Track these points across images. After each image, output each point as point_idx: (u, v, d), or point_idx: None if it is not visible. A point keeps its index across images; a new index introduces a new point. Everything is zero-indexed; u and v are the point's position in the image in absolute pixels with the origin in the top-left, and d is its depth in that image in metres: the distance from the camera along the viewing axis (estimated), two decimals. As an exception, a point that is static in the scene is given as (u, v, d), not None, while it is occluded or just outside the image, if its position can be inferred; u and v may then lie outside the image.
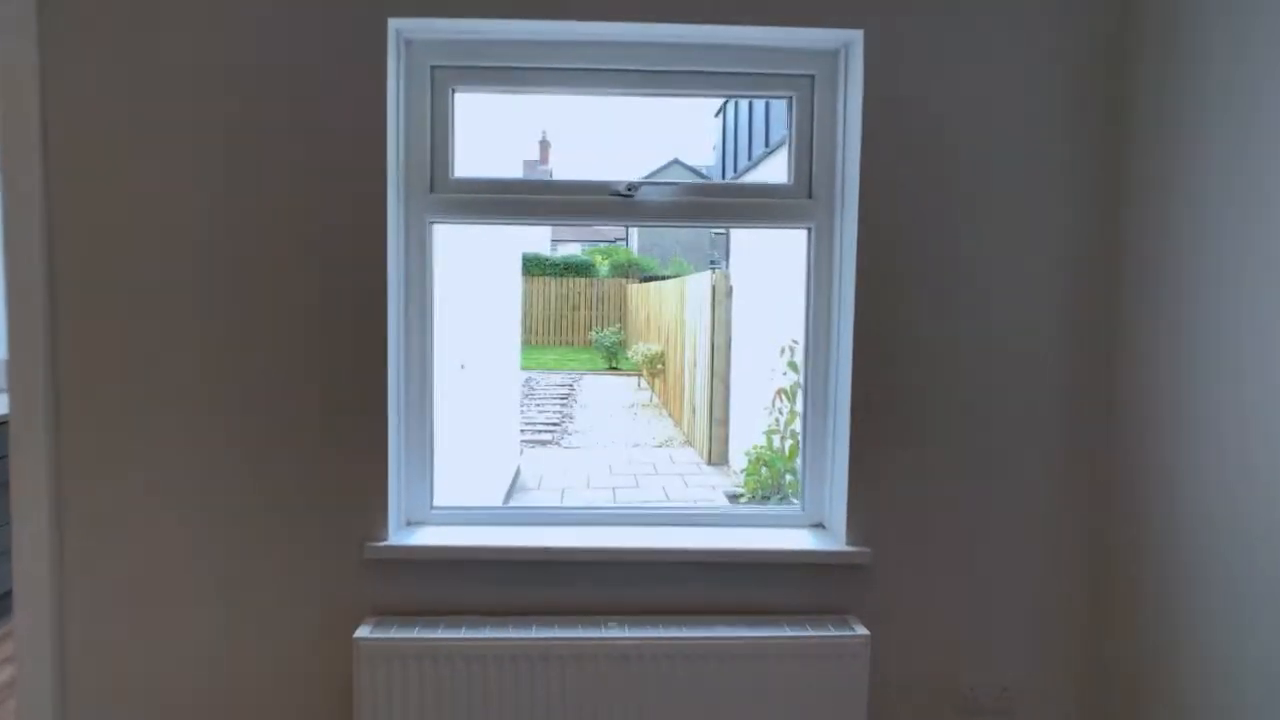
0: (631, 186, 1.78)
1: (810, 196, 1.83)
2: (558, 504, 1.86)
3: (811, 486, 1.87)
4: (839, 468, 1.78)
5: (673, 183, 1.80)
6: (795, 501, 1.94)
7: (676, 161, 31.91)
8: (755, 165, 6.54)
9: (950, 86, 1.68)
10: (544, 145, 26.56)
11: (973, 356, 1.73)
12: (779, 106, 5.52)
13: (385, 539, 1.70)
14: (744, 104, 6.74)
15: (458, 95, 1.82)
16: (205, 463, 1.67)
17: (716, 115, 8.26)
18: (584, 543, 1.72)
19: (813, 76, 1.80)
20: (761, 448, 4.98)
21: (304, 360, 1.66)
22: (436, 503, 1.86)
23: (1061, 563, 1.77)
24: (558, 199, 1.79)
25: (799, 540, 1.79)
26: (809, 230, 1.85)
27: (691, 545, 1.73)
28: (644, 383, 12.20)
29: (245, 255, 1.65)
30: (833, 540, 1.78)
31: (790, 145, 1.87)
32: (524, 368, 13.46)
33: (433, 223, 1.79)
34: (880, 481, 1.73)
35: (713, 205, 1.82)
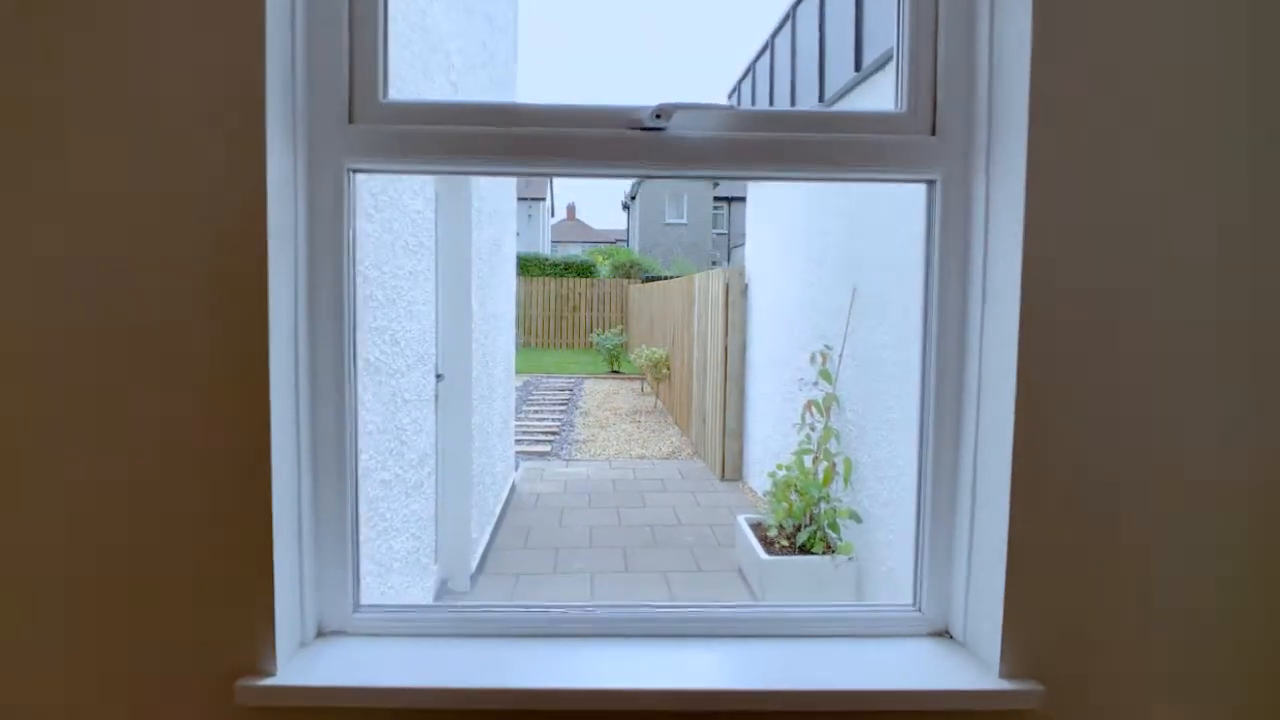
0: (663, 113, 1.14)
1: (934, 133, 1.19)
2: (550, 603, 1.24)
3: (933, 574, 1.23)
4: (986, 550, 1.14)
5: (726, 106, 1.16)
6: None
7: (679, 159, 31.15)
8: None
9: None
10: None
11: (1205, 378, 1.09)
12: (809, 84, 4.81)
13: (270, 672, 1.06)
14: (763, 82, 6.09)
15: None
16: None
17: (730, 96, 7.61)
18: (594, 680, 1.08)
19: (939, -54, 1.17)
20: (788, 467, 4.34)
21: (136, 379, 1.02)
22: (365, 599, 1.23)
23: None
24: (551, 134, 1.16)
25: (922, 668, 1.15)
26: (930, 185, 1.21)
27: (755, 685, 1.09)
28: (648, 387, 11.57)
29: (40, 230, 1.01)
30: (976, 665, 1.14)
31: (900, 55, 1.23)
32: (521, 371, 12.86)
33: (353, 170, 1.16)
34: (1055, 574, 1.09)
35: (785, 144, 1.18)
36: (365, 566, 1.90)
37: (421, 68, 2.66)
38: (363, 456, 2.04)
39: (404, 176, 2.73)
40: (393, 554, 2.27)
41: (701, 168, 1.17)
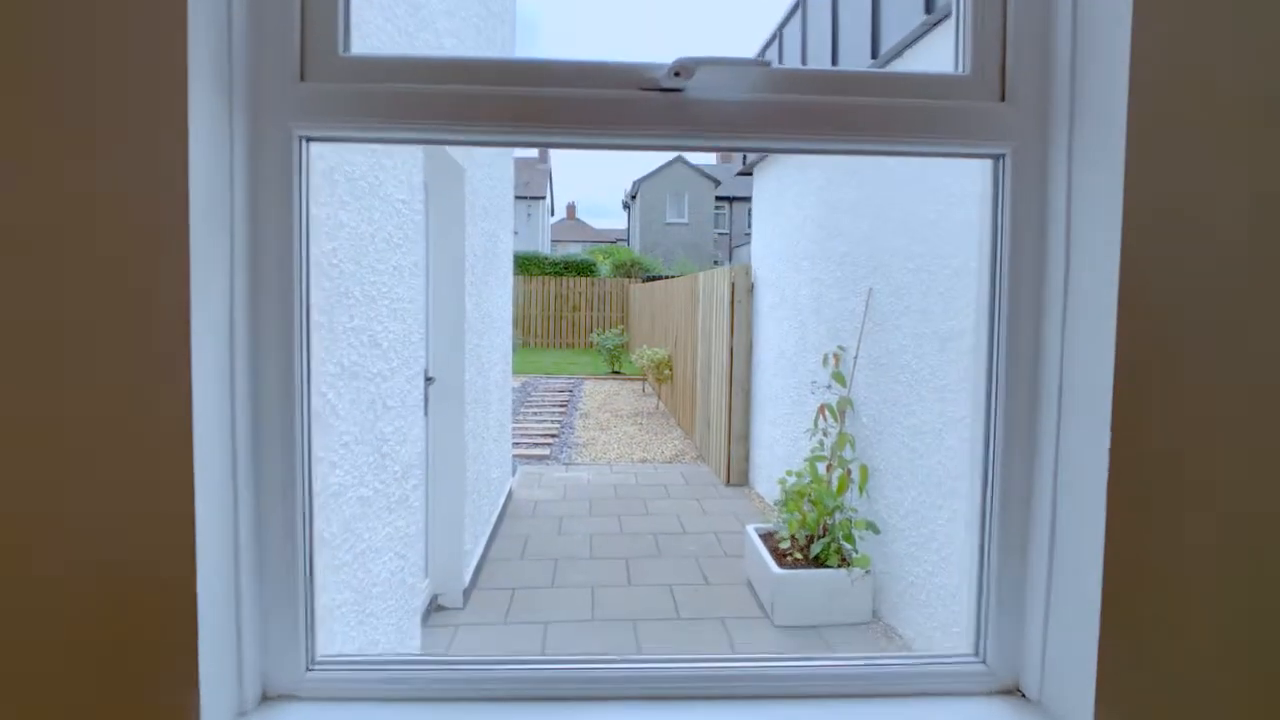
0: (683, 70, 0.94)
1: (1004, 99, 0.99)
2: (545, 658, 1.04)
3: (1000, 617, 1.03)
4: (1072, 587, 0.95)
5: (757, 61, 0.96)
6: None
7: (680, 159, 31.02)
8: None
9: None
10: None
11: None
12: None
13: (197, 752, 0.86)
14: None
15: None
16: None
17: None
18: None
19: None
20: (799, 474, 4.14)
21: (24, 388, 0.83)
22: (323, 652, 1.03)
23: None
24: (545, 95, 0.96)
25: (995, 737, 0.95)
26: (998, 160, 1.02)
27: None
28: (649, 389, 11.38)
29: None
30: (1059, 737, 0.94)
31: (960, 3, 1.03)
32: (519, 372, 12.67)
33: (306, 137, 0.96)
34: (1165, 618, 0.90)
35: (825, 109, 0.98)
36: (341, 595, 1.72)
37: (407, 44, 2.47)
38: (337, 472, 1.84)
39: (387, 165, 2.53)
40: (372, 578, 2.07)
41: (727, 136, 0.98)
